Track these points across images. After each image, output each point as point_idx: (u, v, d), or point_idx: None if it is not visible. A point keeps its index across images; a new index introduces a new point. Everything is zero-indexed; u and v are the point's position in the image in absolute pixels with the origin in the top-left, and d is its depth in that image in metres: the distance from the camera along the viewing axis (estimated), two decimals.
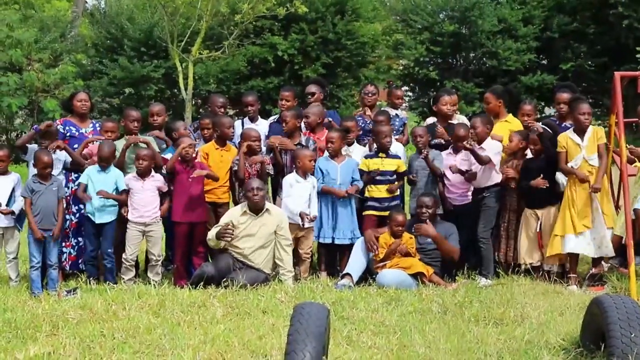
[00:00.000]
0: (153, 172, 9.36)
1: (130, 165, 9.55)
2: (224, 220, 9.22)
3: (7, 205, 8.96)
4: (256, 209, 9.17)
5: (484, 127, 9.63)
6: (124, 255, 9.29)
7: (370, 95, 10.84)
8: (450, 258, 9.37)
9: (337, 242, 9.64)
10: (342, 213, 9.64)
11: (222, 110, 10.60)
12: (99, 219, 9.17)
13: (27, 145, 9.53)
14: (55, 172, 9.17)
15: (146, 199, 9.28)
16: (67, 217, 9.45)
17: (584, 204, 9.08)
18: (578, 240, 9.11)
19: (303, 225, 9.45)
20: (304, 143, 9.96)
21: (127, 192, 9.26)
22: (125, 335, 6.88)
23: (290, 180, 9.58)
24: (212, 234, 9.17)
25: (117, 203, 9.24)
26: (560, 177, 9.39)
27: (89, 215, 9.20)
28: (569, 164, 9.09)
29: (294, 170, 9.63)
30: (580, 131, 9.12)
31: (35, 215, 8.83)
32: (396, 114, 10.78)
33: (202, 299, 8.25)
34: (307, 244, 9.60)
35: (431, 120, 10.73)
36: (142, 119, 10.03)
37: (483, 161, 9.42)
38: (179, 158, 9.30)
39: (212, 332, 6.95)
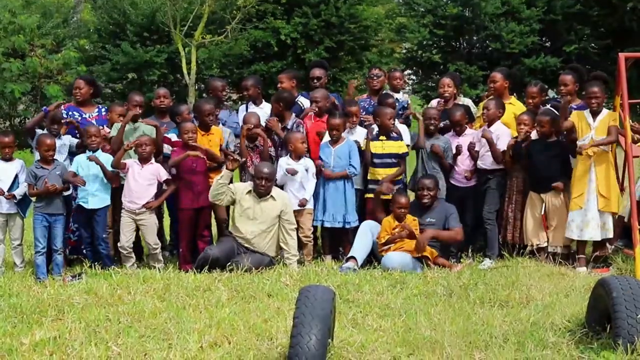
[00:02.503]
0: (153, 161, 9.32)
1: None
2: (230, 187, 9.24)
3: (9, 191, 8.95)
4: (261, 194, 9.17)
5: (496, 109, 9.66)
6: (119, 243, 9.28)
7: (376, 78, 10.80)
8: (455, 242, 9.39)
9: (325, 224, 9.65)
10: (333, 196, 9.62)
11: (223, 93, 10.57)
12: (91, 204, 9.15)
13: (35, 130, 9.55)
14: (61, 157, 9.18)
15: (140, 186, 9.24)
16: None
17: (582, 183, 9.10)
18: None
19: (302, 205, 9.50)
20: (289, 126, 9.93)
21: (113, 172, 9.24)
22: (131, 320, 6.90)
23: (283, 163, 9.57)
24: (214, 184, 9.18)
25: (109, 189, 9.25)
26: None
27: (81, 203, 9.20)
28: (578, 142, 9.09)
29: (288, 154, 9.62)
30: (594, 113, 9.12)
31: (40, 201, 8.86)
32: (396, 98, 10.73)
33: (207, 282, 8.26)
34: (306, 227, 9.59)
35: (435, 102, 10.72)
36: (145, 104, 10.01)
37: (498, 156, 9.49)
38: (182, 142, 9.31)
39: (218, 316, 6.96)
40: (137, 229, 9.38)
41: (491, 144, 9.52)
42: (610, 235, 9.21)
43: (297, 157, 9.52)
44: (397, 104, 10.58)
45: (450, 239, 9.33)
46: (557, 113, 9.45)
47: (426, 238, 9.16)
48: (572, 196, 9.18)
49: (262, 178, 9.09)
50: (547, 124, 9.33)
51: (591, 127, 9.05)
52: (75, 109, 9.90)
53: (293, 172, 9.43)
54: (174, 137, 9.56)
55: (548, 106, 9.90)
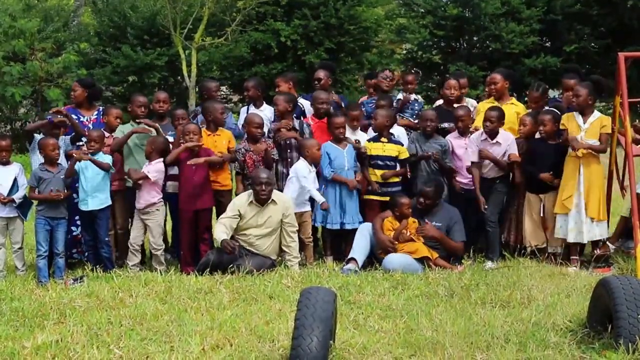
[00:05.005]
0: (157, 160, 9.32)
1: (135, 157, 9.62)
2: (230, 208, 9.22)
3: (8, 195, 8.93)
4: (262, 202, 9.16)
5: (498, 122, 9.55)
6: (130, 240, 9.34)
7: (387, 80, 10.80)
8: (454, 254, 9.40)
9: (347, 227, 9.64)
10: (349, 198, 9.64)
11: (217, 94, 10.59)
12: (91, 205, 9.12)
13: (34, 133, 9.55)
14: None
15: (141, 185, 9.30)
16: None
17: (571, 185, 9.13)
18: (562, 222, 9.23)
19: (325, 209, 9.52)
20: (297, 128, 9.94)
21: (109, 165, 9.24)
22: (133, 323, 6.91)
23: (304, 168, 9.50)
24: (218, 233, 9.17)
25: (108, 190, 9.24)
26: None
27: (81, 205, 9.19)
28: (569, 138, 9.14)
29: (302, 159, 9.58)
30: (583, 113, 9.15)
31: (41, 204, 8.86)
32: (415, 99, 10.77)
33: (208, 285, 8.27)
34: (307, 229, 9.59)
35: (439, 103, 10.73)
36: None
37: (503, 167, 9.46)
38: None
39: (219, 318, 6.97)
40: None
41: (496, 162, 9.51)
42: (595, 238, 9.22)
43: (312, 163, 9.53)
44: (415, 105, 10.73)
45: (451, 249, 9.33)
46: (559, 112, 9.48)
47: (432, 231, 9.20)
48: (561, 198, 9.19)
49: (262, 183, 9.06)
50: (550, 122, 9.33)
51: (581, 129, 9.08)
52: (73, 111, 9.90)
53: (327, 208, 9.50)
54: (170, 139, 9.61)
55: (547, 107, 9.93)
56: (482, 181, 9.65)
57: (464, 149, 9.77)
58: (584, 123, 9.12)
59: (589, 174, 9.11)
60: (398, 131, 10.05)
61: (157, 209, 9.36)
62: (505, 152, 9.50)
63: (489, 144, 9.53)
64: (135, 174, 9.23)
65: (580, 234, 9.15)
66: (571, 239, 9.20)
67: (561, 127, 9.28)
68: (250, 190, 9.26)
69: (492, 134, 9.53)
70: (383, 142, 9.73)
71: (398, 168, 9.78)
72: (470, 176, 9.70)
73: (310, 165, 9.51)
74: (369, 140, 9.83)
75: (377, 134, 9.80)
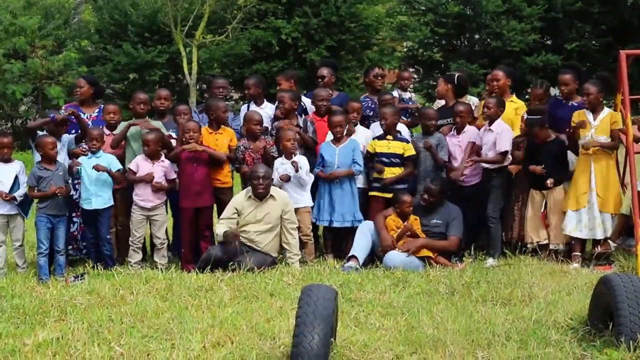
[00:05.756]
0: (163, 157, 9.35)
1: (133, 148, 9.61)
2: (229, 208, 9.24)
3: (10, 192, 8.92)
4: (260, 196, 9.16)
5: (497, 108, 9.62)
6: (130, 238, 9.33)
7: (380, 78, 10.81)
8: (447, 252, 9.38)
9: (335, 225, 9.63)
10: (341, 196, 9.62)
11: (221, 91, 10.58)
12: (94, 204, 9.14)
13: (37, 131, 9.54)
14: (60, 157, 9.16)
15: (148, 185, 9.29)
16: None
17: (583, 181, 9.11)
18: (572, 219, 9.19)
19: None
20: (301, 125, 9.93)
21: (120, 172, 9.28)
22: (134, 320, 6.91)
23: (277, 164, 9.57)
24: (219, 228, 9.19)
25: (111, 189, 9.26)
26: (571, 156, 9.42)
27: (84, 204, 9.20)
28: (579, 141, 9.18)
29: (283, 155, 9.63)
30: (593, 111, 9.17)
31: (42, 202, 8.84)
32: (409, 97, 10.81)
33: (209, 282, 8.27)
34: (305, 226, 9.57)
35: (441, 102, 10.72)
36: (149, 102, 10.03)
37: (496, 160, 9.51)
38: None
39: (220, 316, 6.97)
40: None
41: (485, 161, 9.60)
42: (608, 234, 9.22)
43: (289, 155, 9.52)
44: (409, 104, 10.77)
45: (442, 249, 9.31)
46: (540, 117, 9.43)
47: (416, 246, 9.15)
48: (575, 195, 9.18)
49: (259, 178, 9.09)
50: (542, 132, 9.38)
51: (592, 126, 9.10)
52: (75, 107, 9.89)
53: (287, 179, 9.44)
54: (173, 135, 9.62)
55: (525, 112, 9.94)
56: (482, 173, 9.71)
57: (459, 146, 9.79)
58: (594, 120, 9.13)
59: (601, 170, 9.11)
60: (400, 129, 10.04)
61: (163, 204, 9.44)
62: (496, 140, 9.53)
63: (484, 130, 9.68)
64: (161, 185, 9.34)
65: (592, 231, 9.16)
66: (583, 235, 9.20)
67: (572, 124, 9.30)
68: (249, 187, 9.27)
69: (491, 120, 9.61)
70: (388, 139, 9.72)
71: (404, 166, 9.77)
72: (467, 173, 9.73)
73: (289, 157, 9.50)
74: (374, 138, 9.83)
75: (384, 132, 9.79)
